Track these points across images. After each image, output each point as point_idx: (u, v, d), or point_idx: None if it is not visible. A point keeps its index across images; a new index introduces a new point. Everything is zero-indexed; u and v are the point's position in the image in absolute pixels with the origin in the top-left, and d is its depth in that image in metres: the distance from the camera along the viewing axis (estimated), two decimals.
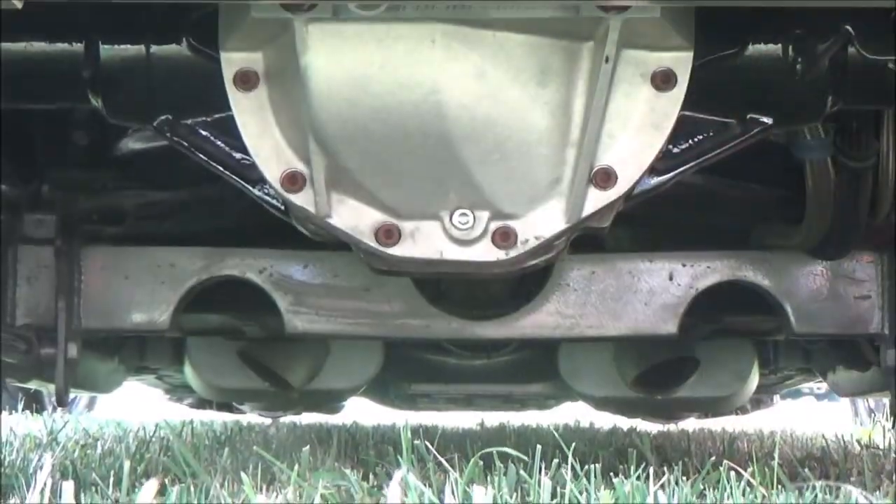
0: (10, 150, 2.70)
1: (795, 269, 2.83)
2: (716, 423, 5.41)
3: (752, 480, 2.03)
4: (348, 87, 1.88)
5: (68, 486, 1.22)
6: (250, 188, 2.15)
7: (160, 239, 2.92)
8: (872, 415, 6.81)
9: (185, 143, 2.17)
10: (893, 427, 5.66)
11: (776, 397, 5.58)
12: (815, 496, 1.87)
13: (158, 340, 3.58)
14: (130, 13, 2.13)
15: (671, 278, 2.87)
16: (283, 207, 2.13)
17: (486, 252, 2.07)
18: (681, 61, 1.97)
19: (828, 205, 2.54)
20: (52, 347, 2.84)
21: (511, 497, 1.80)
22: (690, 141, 2.12)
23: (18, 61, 2.22)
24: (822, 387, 4.79)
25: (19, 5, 1.62)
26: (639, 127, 2.00)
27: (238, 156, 2.11)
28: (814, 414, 7.90)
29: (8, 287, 2.80)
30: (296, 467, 2.23)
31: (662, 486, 1.80)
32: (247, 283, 2.89)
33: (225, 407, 5.07)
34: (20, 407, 6.03)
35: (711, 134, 2.15)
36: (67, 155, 2.74)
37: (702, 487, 2.00)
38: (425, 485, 1.87)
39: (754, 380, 3.83)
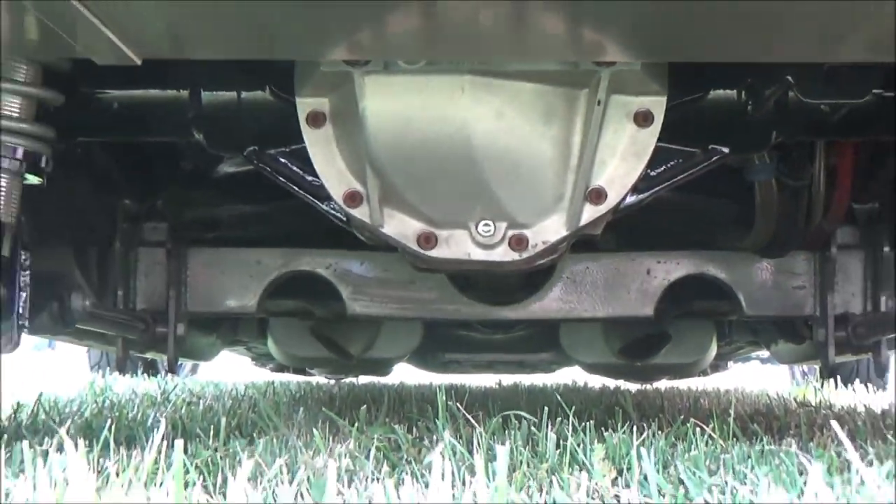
0: (132, 174, 2.72)
1: (746, 265, 2.83)
2: (683, 384, 5.40)
3: (713, 434, 2.02)
4: (396, 125, 1.89)
5: (179, 444, 1.21)
6: (319, 204, 2.16)
7: (248, 242, 2.94)
8: (805, 377, 6.79)
9: (269, 169, 2.19)
10: (822, 388, 5.64)
11: (730, 363, 5.57)
12: (763, 447, 1.86)
13: (247, 320, 3.58)
14: (225, 66, 2.14)
15: (648, 272, 2.87)
16: (345, 219, 2.14)
17: (504, 254, 2.08)
18: (657, 104, 1.97)
19: (772, 215, 2.54)
20: (164, 327, 2.87)
21: (524, 448, 1.78)
22: (664, 166, 2.12)
23: (138, 104, 2.23)
24: (766, 354, 4.76)
25: (139, 62, 1.62)
26: (624, 155, 2.00)
27: (310, 178, 2.12)
28: (759, 375, 7.89)
29: (130, 280, 2.82)
30: (356, 424, 2.23)
31: (643, 441, 1.79)
32: (316, 276, 2.91)
33: (299, 371, 5.08)
34: (139, 371, 6.06)
35: (681, 160, 2.15)
36: (176, 177, 2.76)
37: (673, 440, 1.98)
38: (457, 438, 1.87)
39: (713, 350, 3.83)
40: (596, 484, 1.47)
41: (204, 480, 1.49)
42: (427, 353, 4.13)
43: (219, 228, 2.96)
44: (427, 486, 1.07)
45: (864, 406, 3.90)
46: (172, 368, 3.38)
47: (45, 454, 1.36)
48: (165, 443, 1.50)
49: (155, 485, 1.31)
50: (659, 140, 2.00)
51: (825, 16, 1.48)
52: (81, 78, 2.05)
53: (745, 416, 2.95)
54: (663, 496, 1.37)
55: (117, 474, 1.35)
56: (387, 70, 1.83)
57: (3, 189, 1.92)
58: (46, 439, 1.83)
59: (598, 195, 2.02)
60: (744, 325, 3.63)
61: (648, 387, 5.05)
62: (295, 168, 2.18)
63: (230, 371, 7.12)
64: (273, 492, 1.36)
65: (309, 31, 1.60)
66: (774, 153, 2.43)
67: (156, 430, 1.60)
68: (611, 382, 5.17)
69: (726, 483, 1.45)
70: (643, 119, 1.98)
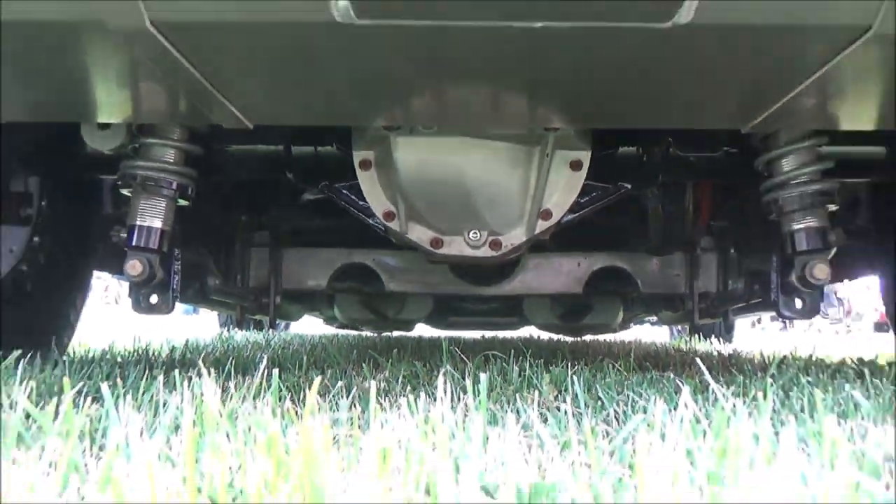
0: (248, 199, 2.72)
1: (642, 260, 2.81)
2: (601, 337, 5.37)
3: (620, 368, 2.01)
4: (417, 168, 1.88)
5: (276, 372, 1.21)
6: (367, 219, 2.15)
7: (321, 244, 2.92)
8: (679, 333, 6.75)
9: (335, 197, 2.18)
10: (690, 340, 5.62)
11: (631, 324, 5.52)
12: (652, 376, 1.85)
13: (321, 295, 3.55)
14: (306, 130, 2.14)
15: (579, 265, 2.85)
16: (383, 229, 2.13)
17: (486, 252, 2.07)
18: (585, 155, 1.97)
19: (659, 229, 2.53)
20: (267, 298, 2.86)
21: (498, 376, 1.78)
22: (589, 196, 2.11)
23: (250, 154, 2.23)
24: (654, 318, 4.73)
25: (251, 127, 1.62)
26: (563, 189, 1.99)
27: (361, 202, 2.11)
28: (649, 332, 7.86)
29: (245, 269, 2.81)
30: (389, 361, 2.22)
31: (575, 372, 1.78)
32: (364, 266, 2.89)
33: (353, 328, 5.03)
34: (251, 327, 6.05)
35: (600, 192, 2.14)
36: (276, 201, 2.75)
37: (595, 371, 1.97)
38: (455, 369, 1.86)
39: (620, 316, 3.79)
40: (544, 399, 1.47)
41: (292, 396, 1.48)
42: (436, 316, 4.09)
43: (303, 235, 2.95)
44: (435, 399, 1.07)
45: (717, 352, 3.89)
46: (273, 325, 3.41)
47: (189, 378, 1.35)
48: (266, 372, 1.50)
49: (259, 398, 1.30)
50: (586, 179, 2.00)
51: (692, 99, 1.48)
52: (214, 136, 2.05)
53: (640, 357, 2.94)
54: (588, 407, 1.37)
55: (235, 390, 1.35)
56: (411, 133, 1.83)
57: (164, 209, 1.93)
58: (191, 369, 1.83)
59: (547, 214, 2.01)
60: (640, 300, 3.61)
61: (579, 339, 5.03)
62: (352, 196, 2.16)
63: (310, 327, 7.10)
64: (336, 403, 1.36)
65: (362, 108, 1.59)
66: (660, 188, 2.43)
67: (261, 363, 1.59)
68: (554, 336, 5.14)
69: (629, 398, 1.45)
70: (575, 166, 1.97)
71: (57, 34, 1.18)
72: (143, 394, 1.34)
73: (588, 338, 5.22)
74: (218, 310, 4.31)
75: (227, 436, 0.94)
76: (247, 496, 0.69)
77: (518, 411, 1.26)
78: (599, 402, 1.44)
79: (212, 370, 1.50)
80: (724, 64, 1.26)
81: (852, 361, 2.60)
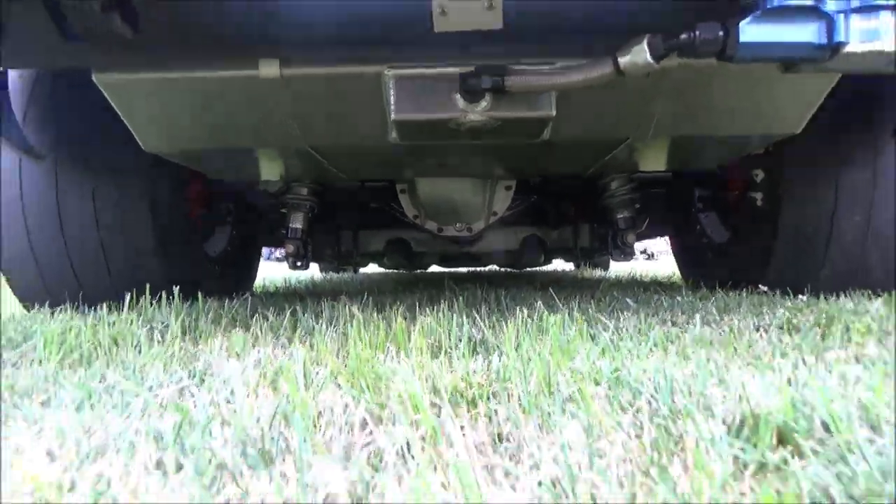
0: (344, 211, 2.67)
1: (550, 231, 2.76)
2: (531, 271, 5.48)
3: (534, 283, 2.19)
4: (430, 194, 1.88)
5: (345, 299, 1.29)
6: (404, 218, 2.18)
7: (380, 228, 2.88)
8: (577, 268, 6.78)
9: (388, 207, 2.28)
10: (579, 271, 5.74)
11: (547, 264, 5.37)
12: (555, 290, 1.97)
13: (380, 253, 3.37)
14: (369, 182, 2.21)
15: (515, 233, 2.80)
16: (413, 222, 2.14)
17: (464, 234, 2.12)
18: (513, 183, 1.98)
19: (557, 217, 2.66)
20: (352, 258, 2.87)
21: (472, 293, 1.88)
22: (515, 202, 2.17)
23: (345, 189, 2.30)
24: (560, 261, 4.72)
25: (347, 179, 1.78)
26: (502, 200, 2.02)
27: (401, 209, 2.13)
28: (559, 265, 7.84)
29: (341, 242, 2.78)
30: (420, 285, 2.41)
31: (507, 286, 1.92)
32: (403, 239, 2.86)
33: (396, 269, 4.98)
34: (342, 273, 6.12)
35: (520, 201, 2.25)
36: (359, 214, 2.63)
37: (518, 285, 2.11)
38: (450, 288, 1.98)
39: (542, 259, 3.63)
40: (492, 307, 1.72)
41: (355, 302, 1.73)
42: (441, 261, 4.02)
43: (370, 224, 2.90)
44: (441, 304, 1.28)
45: (596, 278, 4.09)
46: (356, 271, 3.43)
47: (319, 295, 1.61)
48: (356, 295, 1.74)
49: (341, 305, 1.46)
50: (513, 195, 2.02)
51: (556, 164, 1.60)
52: (326, 186, 2.17)
53: (552, 278, 3.04)
54: (510, 307, 1.56)
55: (345, 296, 1.54)
56: (427, 176, 1.82)
57: (303, 218, 2.15)
58: (320, 293, 2.06)
59: (494, 214, 2.06)
60: (549, 251, 3.67)
61: (519, 272, 5.16)
62: (396, 206, 2.24)
63: (371, 269, 7.15)
64: (385, 306, 1.50)
65: (401, 173, 1.71)
66: (553, 199, 2.52)
67: (345, 292, 1.81)
68: (503, 270, 5.23)
69: (533, 299, 1.71)
70: (508, 188, 2.00)
71: (257, 153, 1.37)
72: (301, 302, 1.55)
73: (526, 271, 5.32)
74: (324, 264, 4.36)
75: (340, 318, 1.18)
76: (345, 340, 0.95)
77: (479, 309, 1.46)
78: (516, 303, 1.72)
79: (329, 294, 1.71)
80: (568, 152, 1.50)
81: (656, 279, 2.85)
